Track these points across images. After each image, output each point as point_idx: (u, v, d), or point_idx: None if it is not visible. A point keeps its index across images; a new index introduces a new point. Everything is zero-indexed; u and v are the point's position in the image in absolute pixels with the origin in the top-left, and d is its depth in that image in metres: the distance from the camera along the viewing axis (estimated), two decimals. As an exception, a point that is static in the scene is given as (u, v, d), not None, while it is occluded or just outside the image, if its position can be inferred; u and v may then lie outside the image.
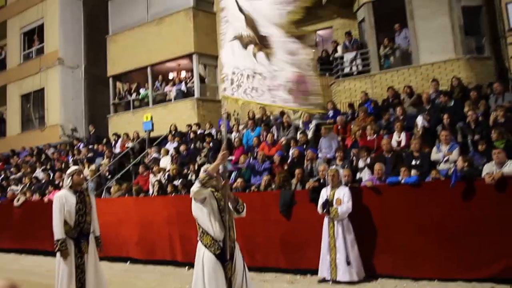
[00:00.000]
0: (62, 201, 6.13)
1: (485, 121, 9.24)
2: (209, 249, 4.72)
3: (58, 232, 6.04)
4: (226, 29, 5.05)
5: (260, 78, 4.69)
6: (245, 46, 4.79)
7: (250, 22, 4.69)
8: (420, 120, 9.98)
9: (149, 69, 18.15)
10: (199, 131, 14.33)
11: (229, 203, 4.88)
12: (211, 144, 12.80)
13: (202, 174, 4.69)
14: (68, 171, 6.47)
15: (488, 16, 12.51)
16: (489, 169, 7.47)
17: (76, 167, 7.04)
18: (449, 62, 12.03)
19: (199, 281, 4.72)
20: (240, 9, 4.77)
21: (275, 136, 11.74)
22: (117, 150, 16.09)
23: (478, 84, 10.92)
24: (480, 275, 7.04)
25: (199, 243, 4.84)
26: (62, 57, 20.69)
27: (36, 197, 13.56)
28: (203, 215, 4.79)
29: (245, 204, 5.07)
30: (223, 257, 4.72)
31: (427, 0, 12.50)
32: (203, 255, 4.74)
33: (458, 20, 12.13)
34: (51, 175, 15.41)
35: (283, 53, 4.50)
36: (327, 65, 14.17)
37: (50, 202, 6.41)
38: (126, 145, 16.01)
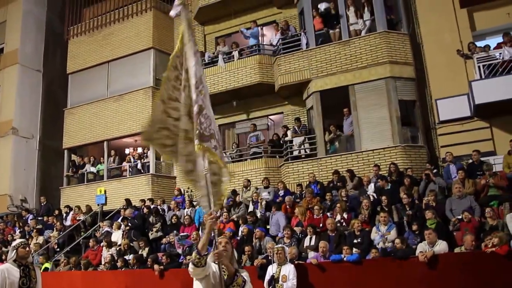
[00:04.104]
0: (4, 275, 5.85)
1: (419, 204, 10.11)
2: None
3: None
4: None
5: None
6: None
7: None
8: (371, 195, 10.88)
9: (105, 144, 18.40)
10: (152, 206, 14.56)
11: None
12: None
13: (194, 254, 4.18)
14: (13, 244, 6.27)
15: (421, 110, 13.68)
16: (422, 248, 8.20)
17: (21, 239, 6.81)
18: (388, 149, 12.93)
19: None
20: None
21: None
22: (68, 222, 15.94)
23: (412, 172, 11.87)
24: None
25: None
26: (17, 126, 20.55)
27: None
28: None
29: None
30: None
31: (369, 93, 13.56)
32: None
33: (396, 112, 13.13)
34: (-5, 246, 15.01)
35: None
36: (277, 147, 14.86)
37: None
38: (77, 218, 15.94)
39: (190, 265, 4.19)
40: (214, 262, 4.27)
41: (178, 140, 4.62)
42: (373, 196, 11.03)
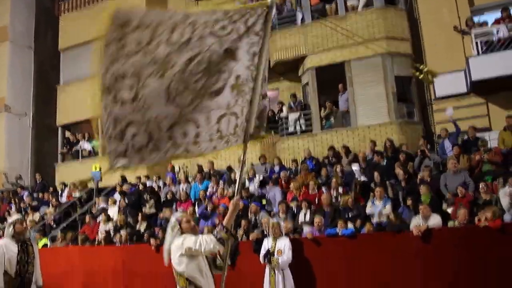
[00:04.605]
0: (2, 250, 6.04)
1: (413, 179, 10.16)
2: None
3: None
4: None
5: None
6: None
7: None
8: (356, 171, 10.87)
9: (99, 120, 18.29)
10: (147, 183, 14.58)
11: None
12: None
13: (223, 233, 4.10)
14: (10, 220, 6.41)
15: (417, 86, 13.67)
16: (416, 222, 8.25)
17: (18, 216, 6.98)
18: (383, 125, 12.94)
19: None
20: None
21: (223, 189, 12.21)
22: (64, 199, 16.02)
23: (407, 148, 11.89)
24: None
25: None
26: (9, 104, 20.39)
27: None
28: (197, 272, 4.34)
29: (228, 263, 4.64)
30: None
31: (365, 69, 13.50)
32: None
33: (392, 88, 13.13)
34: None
35: None
36: (273, 124, 14.79)
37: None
38: (73, 195, 15.98)
39: (215, 243, 4.09)
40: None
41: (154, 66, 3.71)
42: (358, 173, 11.06)
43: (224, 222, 4.20)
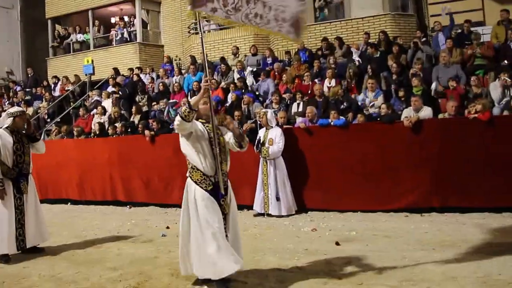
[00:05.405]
0: None
1: (406, 72, 10.19)
2: (200, 185, 4.40)
3: None
4: None
5: (263, 6, 4.63)
6: None
7: None
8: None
9: (90, 13, 17.94)
10: (141, 75, 14.51)
11: (233, 137, 4.60)
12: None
13: (182, 107, 4.30)
14: (11, 111, 6.28)
15: (413, -23, 13.30)
16: (407, 113, 8.36)
17: (20, 108, 6.71)
18: (377, 17, 12.75)
19: (192, 219, 4.41)
20: None
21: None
22: (57, 93, 15.97)
23: (401, 39, 11.75)
24: (396, 206, 8.00)
25: (189, 180, 4.50)
26: (-6, -4, 19.71)
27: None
28: (192, 150, 4.43)
29: (247, 140, 4.75)
30: (217, 193, 4.43)
31: (360, -42, 13.00)
32: (195, 192, 4.41)
33: (387, -22, 12.76)
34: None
35: None
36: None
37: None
38: (66, 89, 15.92)
39: (177, 118, 4.23)
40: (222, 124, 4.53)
41: None
42: (358, 61, 11.00)
43: (191, 100, 4.42)
